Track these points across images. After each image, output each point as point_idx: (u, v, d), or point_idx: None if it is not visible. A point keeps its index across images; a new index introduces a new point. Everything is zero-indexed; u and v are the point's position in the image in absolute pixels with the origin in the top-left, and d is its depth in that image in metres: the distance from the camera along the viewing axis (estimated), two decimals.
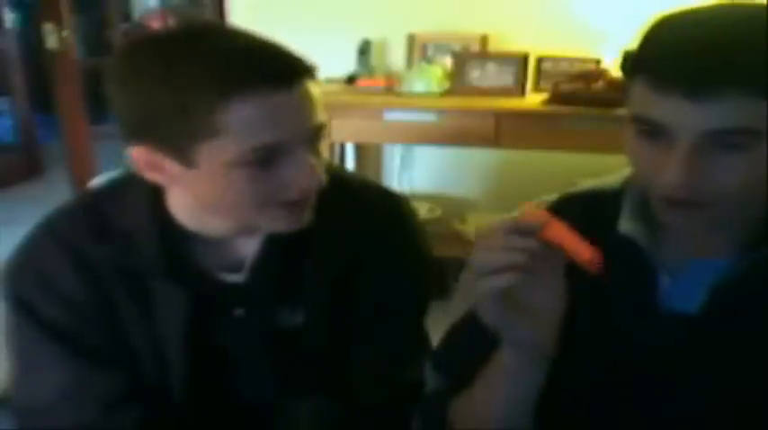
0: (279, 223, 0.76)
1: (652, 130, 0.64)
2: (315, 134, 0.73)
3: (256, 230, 0.81)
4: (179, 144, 0.69)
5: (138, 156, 0.72)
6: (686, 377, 0.70)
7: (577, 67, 2.24)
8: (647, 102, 0.63)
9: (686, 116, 0.61)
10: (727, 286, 0.68)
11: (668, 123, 0.62)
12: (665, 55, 0.63)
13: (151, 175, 0.73)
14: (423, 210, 2.53)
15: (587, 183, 0.81)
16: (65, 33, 2.73)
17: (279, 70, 0.68)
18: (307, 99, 0.70)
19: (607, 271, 0.70)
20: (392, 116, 2.23)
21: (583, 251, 0.63)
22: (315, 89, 0.72)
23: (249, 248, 0.83)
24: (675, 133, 0.62)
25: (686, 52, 0.61)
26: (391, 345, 0.91)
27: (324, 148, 0.77)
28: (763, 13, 0.62)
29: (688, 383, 0.70)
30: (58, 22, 2.72)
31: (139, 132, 0.70)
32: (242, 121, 0.66)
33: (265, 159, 0.69)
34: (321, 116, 0.73)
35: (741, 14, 0.63)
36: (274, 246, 0.82)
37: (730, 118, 0.60)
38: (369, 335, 0.88)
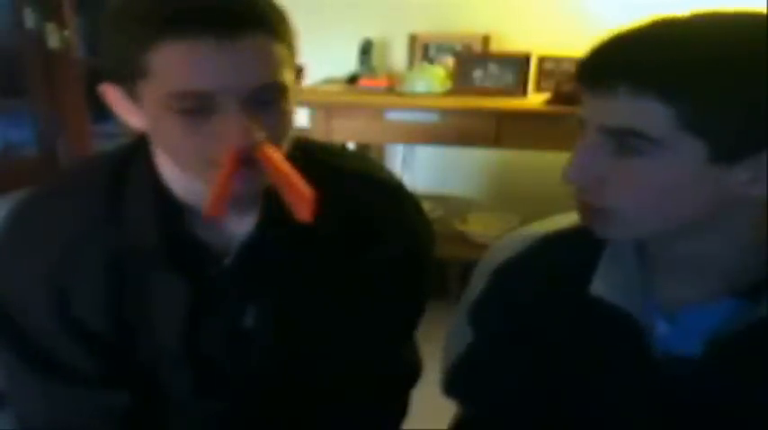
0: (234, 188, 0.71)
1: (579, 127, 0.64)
2: (258, 93, 0.66)
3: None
4: (126, 82, 0.68)
5: (107, 93, 0.72)
6: (689, 419, 0.68)
7: None
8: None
9: (588, 109, 0.61)
10: (728, 332, 0.65)
11: (580, 116, 0.62)
12: (588, 51, 0.62)
13: (124, 116, 0.73)
14: None
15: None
16: (67, 33, 2.73)
17: (220, 18, 0.63)
18: (252, 54, 0.64)
19: (587, 327, 0.71)
20: (394, 116, 2.22)
21: (305, 191, 0.68)
22: (268, 45, 0.66)
23: (243, 228, 0.80)
24: (583, 128, 0.62)
25: (598, 47, 0.60)
26: (396, 323, 0.92)
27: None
28: (728, 29, 0.58)
29: (688, 426, 0.69)
30: (60, 22, 2.72)
31: (106, 70, 0.71)
32: (169, 64, 0.64)
33: (195, 110, 0.65)
34: (272, 75, 0.67)
35: (677, 21, 0.59)
36: (264, 232, 0.79)
37: (620, 116, 0.57)
38: (374, 312, 0.87)
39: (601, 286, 0.70)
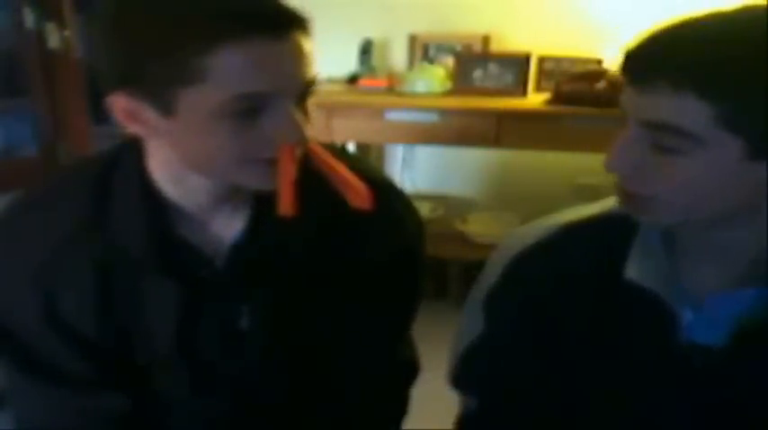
0: (260, 181, 0.71)
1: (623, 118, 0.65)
2: (304, 89, 0.69)
3: (235, 196, 0.78)
4: (160, 89, 0.66)
5: (118, 104, 0.68)
6: (713, 408, 0.69)
7: (579, 67, 2.24)
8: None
9: (629, 103, 0.62)
10: (753, 321, 0.66)
11: (626, 110, 0.63)
12: (631, 45, 0.63)
13: (130, 126, 0.70)
14: (424, 210, 2.53)
15: (607, 203, 0.78)
16: (67, 33, 2.73)
17: (272, 19, 0.65)
18: (298, 51, 0.67)
19: (615, 313, 0.72)
20: (394, 116, 2.22)
21: (355, 180, 0.73)
22: (307, 43, 0.68)
23: (232, 230, 0.80)
24: (627, 120, 0.64)
25: (640, 42, 0.61)
26: (391, 321, 0.92)
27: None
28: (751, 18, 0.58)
29: (711, 415, 0.69)
30: (60, 22, 2.72)
31: (122, 77, 0.67)
32: (229, 67, 0.63)
33: (248, 110, 0.66)
34: (312, 71, 0.70)
35: (723, 17, 0.60)
36: (255, 234, 0.79)
37: (663, 113, 0.58)
38: (368, 310, 0.87)
39: (634, 271, 0.71)
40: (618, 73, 0.64)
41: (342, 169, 0.74)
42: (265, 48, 0.64)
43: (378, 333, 0.90)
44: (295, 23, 0.66)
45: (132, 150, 0.77)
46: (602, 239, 0.74)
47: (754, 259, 0.66)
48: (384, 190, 0.88)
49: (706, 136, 0.57)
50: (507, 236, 0.86)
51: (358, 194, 0.73)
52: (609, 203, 0.78)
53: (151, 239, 0.77)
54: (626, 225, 0.72)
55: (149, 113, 0.68)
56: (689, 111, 0.57)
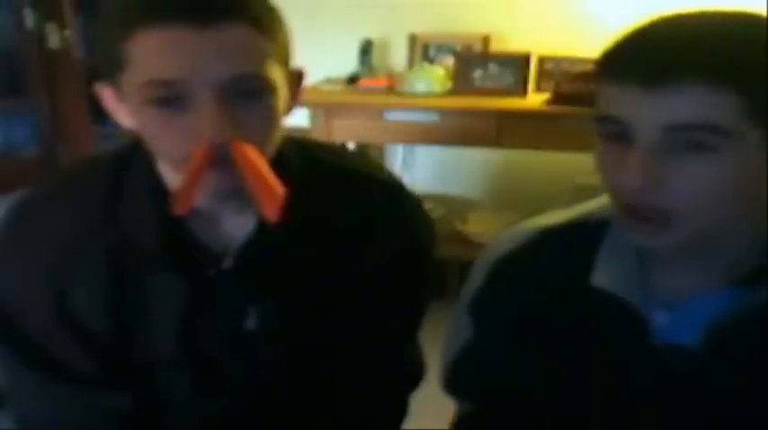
0: (204, 186, 0.68)
1: (614, 131, 0.60)
2: (236, 84, 0.64)
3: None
4: (111, 77, 0.69)
5: (101, 93, 0.73)
6: (687, 408, 0.69)
7: (579, 67, 2.23)
8: (608, 98, 0.60)
9: (643, 109, 0.57)
10: (727, 320, 0.65)
11: (626, 119, 0.58)
12: (625, 45, 0.60)
13: (115, 115, 0.73)
14: None
15: (584, 208, 0.78)
16: (67, 33, 2.73)
17: (195, 6, 0.62)
18: (229, 44, 0.63)
19: (589, 317, 0.72)
20: (394, 116, 2.23)
21: (275, 183, 0.67)
22: (254, 39, 0.65)
23: (242, 229, 0.79)
24: (634, 130, 0.58)
25: (646, 40, 0.58)
26: (399, 321, 0.91)
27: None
28: (745, 17, 0.58)
29: (690, 415, 0.69)
30: (60, 22, 2.72)
31: (98, 69, 0.71)
32: (144, 52, 0.63)
33: (169, 100, 0.64)
34: (251, 66, 0.65)
35: (720, 15, 0.59)
36: (265, 233, 0.78)
37: (692, 112, 0.55)
38: (377, 310, 0.87)
39: (601, 277, 0.70)
40: (610, 76, 0.60)
41: (267, 174, 0.67)
42: (182, 35, 0.62)
43: (385, 333, 0.90)
44: (230, 13, 0.63)
45: (143, 147, 0.77)
46: (574, 245, 0.74)
47: (728, 259, 0.66)
48: (395, 190, 0.88)
49: (739, 130, 0.55)
50: (492, 240, 0.86)
51: (272, 203, 0.67)
52: (589, 206, 0.78)
53: (160, 236, 0.76)
54: (597, 231, 0.71)
55: (118, 102, 0.71)
56: (725, 107, 0.54)
